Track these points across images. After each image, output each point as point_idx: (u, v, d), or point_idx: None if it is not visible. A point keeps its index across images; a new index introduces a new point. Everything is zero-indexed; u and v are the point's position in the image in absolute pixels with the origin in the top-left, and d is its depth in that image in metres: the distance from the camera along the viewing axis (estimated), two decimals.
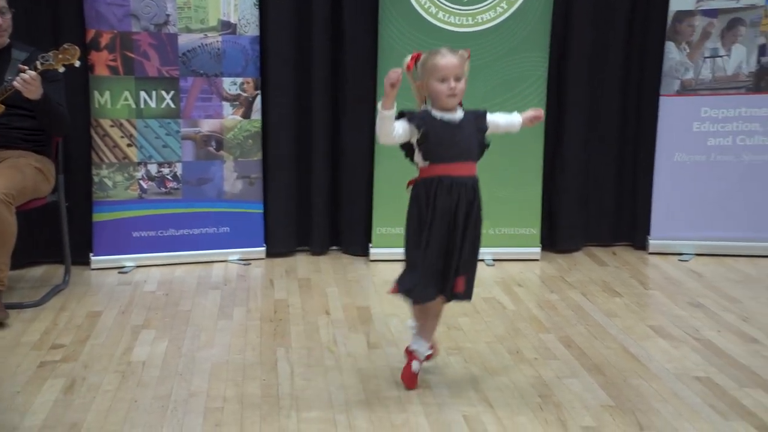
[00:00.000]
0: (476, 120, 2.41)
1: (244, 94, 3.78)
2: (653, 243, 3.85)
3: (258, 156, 3.83)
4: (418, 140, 2.36)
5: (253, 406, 2.39)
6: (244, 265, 3.79)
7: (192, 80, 3.70)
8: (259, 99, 3.79)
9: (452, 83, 2.31)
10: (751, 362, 2.62)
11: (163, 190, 3.75)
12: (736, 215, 3.77)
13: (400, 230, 3.90)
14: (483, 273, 3.64)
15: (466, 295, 2.42)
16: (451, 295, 2.42)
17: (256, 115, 3.80)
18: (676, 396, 2.41)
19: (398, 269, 3.67)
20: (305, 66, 3.83)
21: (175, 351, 2.78)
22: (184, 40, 3.66)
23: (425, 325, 2.52)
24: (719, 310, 3.13)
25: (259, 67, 3.76)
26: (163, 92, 3.68)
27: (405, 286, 2.41)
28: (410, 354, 2.53)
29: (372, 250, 3.84)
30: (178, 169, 3.76)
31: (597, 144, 3.90)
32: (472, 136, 2.38)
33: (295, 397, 2.44)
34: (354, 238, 3.93)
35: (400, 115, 2.36)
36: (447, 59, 2.32)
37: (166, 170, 3.75)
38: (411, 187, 2.46)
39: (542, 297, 3.32)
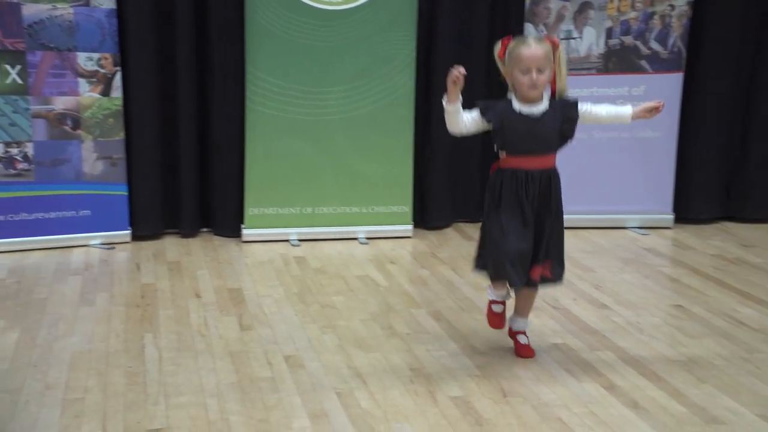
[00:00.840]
0: (563, 110, 2.41)
1: (102, 71, 3.57)
2: None
3: (120, 135, 3.65)
4: (491, 133, 2.39)
5: (117, 395, 2.29)
6: (108, 249, 3.63)
7: (41, 54, 3.44)
8: (119, 76, 3.60)
9: (534, 75, 2.32)
10: (602, 327, 2.82)
11: (12, 171, 3.49)
12: (590, 190, 4.02)
13: (274, 210, 3.92)
14: (356, 251, 3.68)
15: (557, 277, 2.49)
16: (541, 279, 2.46)
17: (117, 92, 3.61)
18: (536, 362, 2.55)
19: (273, 249, 3.67)
20: (168, 41, 3.68)
21: (28, 341, 2.61)
22: (30, 11, 3.40)
23: (521, 306, 2.59)
24: (575, 279, 3.33)
25: (117, 42, 3.57)
26: (8, 66, 3.41)
27: (481, 265, 2.50)
28: (514, 334, 2.61)
29: (244, 231, 3.78)
30: (29, 149, 3.51)
31: None
32: (552, 128, 2.39)
33: (163, 383, 2.37)
34: (225, 220, 3.86)
35: (475, 105, 2.40)
36: (531, 50, 2.33)
37: (14, 150, 3.49)
38: (492, 172, 2.49)
39: (414, 273, 3.40)
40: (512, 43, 2.39)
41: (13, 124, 3.48)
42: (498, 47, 2.44)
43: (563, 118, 2.41)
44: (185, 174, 3.81)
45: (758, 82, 3.94)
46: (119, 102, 3.62)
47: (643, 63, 3.89)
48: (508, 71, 2.39)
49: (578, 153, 4.01)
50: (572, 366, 2.52)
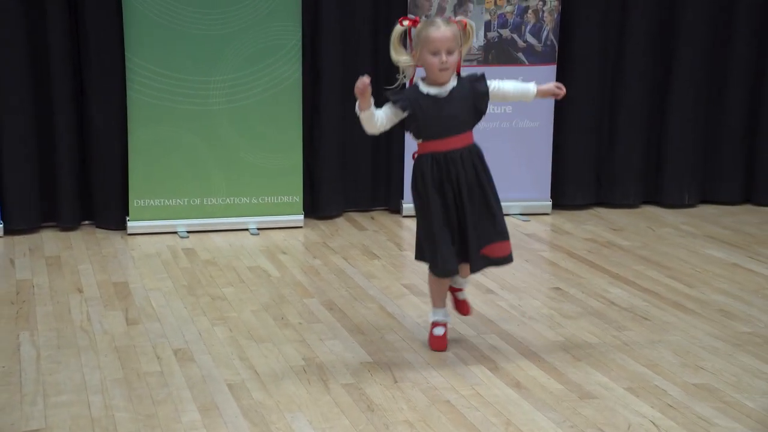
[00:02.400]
0: (472, 84, 2.40)
1: None
2: (407, 206, 4.12)
3: None
4: (406, 121, 2.36)
5: None
6: None
7: None
8: None
9: (444, 57, 2.32)
10: (487, 311, 2.94)
11: None
12: None
13: (160, 202, 3.81)
14: (247, 242, 3.65)
15: (510, 258, 2.49)
16: (494, 261, 2.47)
17: None
18: (426, 348, 2.63)
19: (160, 242, 3.57)
20: (39, 23, 3.51)
21: None
22: None
23: (440, 294, 2.55)
24: None
25: None
26: None
27: (428, 260, 2.45)
28: (434, 324, 2.58)
29: (129, 224, 3.67)
30: None
31: (353, 112, 4.04)
32: (464, 105, 2.38)
33: (41, 382, 2.28)
34: (109, 212, 3.74)
35: (386, 99, 2.37)
36: (440, 32, 2.32)
37: None
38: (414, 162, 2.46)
39: (306, 263, 3.42)
40: (420, 25, 2.39)
41: None
42: (398, 32, 2.39)
43: (473, 93, 2.41)
44: (63, 165, 3.65)
45: (622, 75, 4.20)
46: None
47: (520, 55, 4.06)
48: (416, 54, 2.38)
49: None
50: (460, 350, 2.62)
